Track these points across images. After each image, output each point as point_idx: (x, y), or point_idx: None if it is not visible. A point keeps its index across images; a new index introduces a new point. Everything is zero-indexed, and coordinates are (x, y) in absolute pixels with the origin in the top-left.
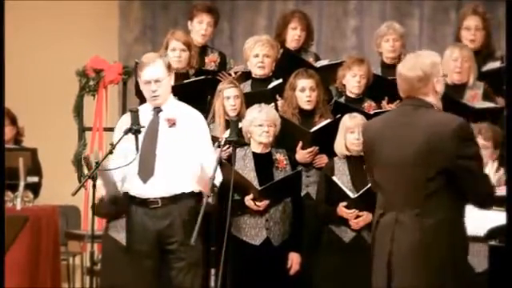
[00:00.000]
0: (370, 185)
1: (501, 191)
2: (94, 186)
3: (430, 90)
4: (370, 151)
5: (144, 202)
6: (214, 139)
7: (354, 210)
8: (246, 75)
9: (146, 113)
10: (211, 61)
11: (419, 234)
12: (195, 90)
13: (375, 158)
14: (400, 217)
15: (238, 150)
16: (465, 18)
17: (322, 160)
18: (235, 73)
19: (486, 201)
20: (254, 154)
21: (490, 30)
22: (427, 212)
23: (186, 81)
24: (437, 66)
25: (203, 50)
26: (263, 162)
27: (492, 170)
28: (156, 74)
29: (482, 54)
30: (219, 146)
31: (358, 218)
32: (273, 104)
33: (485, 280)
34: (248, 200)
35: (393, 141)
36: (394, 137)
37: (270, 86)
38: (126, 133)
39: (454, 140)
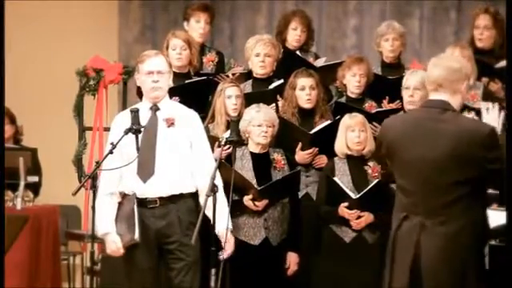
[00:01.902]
0: (371, 185)
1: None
2: (94, 186)
3: (460, 89)
4: (391, 152)
5: (142, 202)
6: (215, 139)
7: (355, 211)
8: (246, 75)
9: (142, 112)
10: (209, 60)
11: (444, 240)
12: (195, 90)
13: (398, 160)
14: (426, 222)
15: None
16: (476, 17)
17: (322, 160)
18: (233, 74)
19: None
20: (252, 154)
21: (504, 30)
22: (452, 218)
23: (187, 81)
24: (470, 73)
25: (201, 50)
26: (261, 162)
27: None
28: (159, 65)
29: (495, 53)
30: (219, 146)
31: (360, 219)
32: (273, 104)
33: None
34: (247, 200)
35: (419, 144)
36: (420, 140)
37: (271, 86)
38: (126, 132)
39: (483, 148)
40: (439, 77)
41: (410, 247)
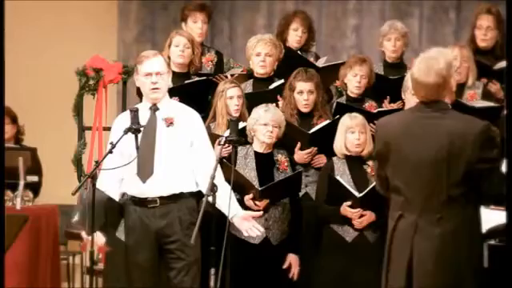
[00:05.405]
0: (374, 184)
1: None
2: (94, 185)
3: (448, 92)
4: (387, 151)
5: (143, 202)
6: (215, 136)
7: (358, 210)
8: (247, 75)
9: (142, 112)
10: (208, 60)
11: (438, 240)
12: (195, 91)
13: (392, 159)
14: (420, 222)
15: (239, 148)
16: (478, 17)
17: (321, 160)
18: (231, 75)
19: (501, 200)
20: (256, 154)
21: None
22: (447, 217)
23: (187, 81)
24: (451, 65)
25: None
26: (264, 162)
27: None
28: (157, 66)
29: (495, 53)
30: (219, 144)
31: (362, 218)
32: (274, 104)
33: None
34: (248, 200)
35: (414, 143)
36: (416, 139)
37: (272, 86)
38: (125, 132)
39: (477, 145)
40: (428, 87)
41: (406, 247)
